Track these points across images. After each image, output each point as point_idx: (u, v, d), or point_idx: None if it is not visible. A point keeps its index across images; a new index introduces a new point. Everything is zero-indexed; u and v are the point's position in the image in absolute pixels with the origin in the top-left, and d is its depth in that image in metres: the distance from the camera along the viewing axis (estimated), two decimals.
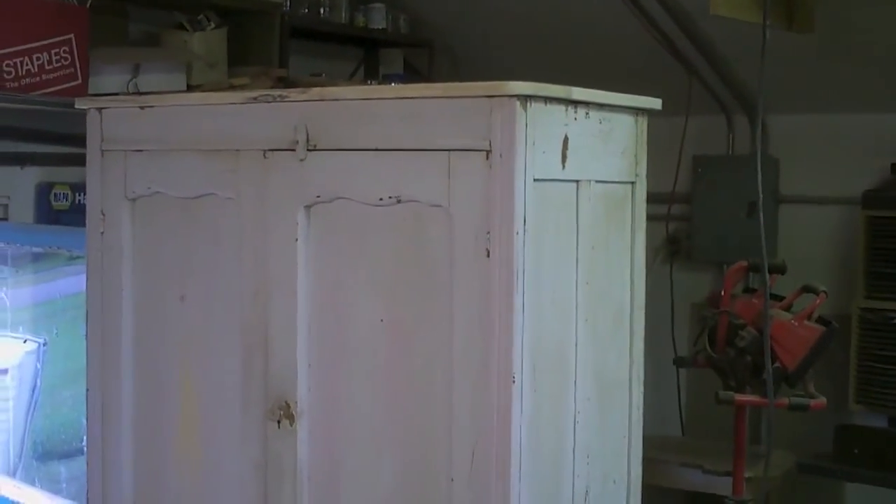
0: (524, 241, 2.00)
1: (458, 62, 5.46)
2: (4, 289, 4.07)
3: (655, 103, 2.35)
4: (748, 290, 3.88)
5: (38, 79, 3.75)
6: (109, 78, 3.98)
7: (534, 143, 2.01)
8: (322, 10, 5.10)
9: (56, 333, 3.96)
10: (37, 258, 4.07)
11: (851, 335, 4.42)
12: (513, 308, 1.98)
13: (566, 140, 2.11)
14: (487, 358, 1.99)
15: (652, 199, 2.42)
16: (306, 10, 5.02)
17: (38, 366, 4.03)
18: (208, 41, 4.35)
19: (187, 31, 4.29)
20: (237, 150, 2.33)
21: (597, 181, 2.22)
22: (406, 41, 5.54)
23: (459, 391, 2.02)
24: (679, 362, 4.11)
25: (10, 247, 4.06)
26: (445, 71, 5.40)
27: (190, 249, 2.47)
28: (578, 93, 2.12)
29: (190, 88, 4.11)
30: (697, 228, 5.01)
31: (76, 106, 2.67)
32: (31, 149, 4.20)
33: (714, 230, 4.95)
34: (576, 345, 2.17)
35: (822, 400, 3.45)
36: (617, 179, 2.30)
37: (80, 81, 3.84)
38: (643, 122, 2.36)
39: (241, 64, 4.45)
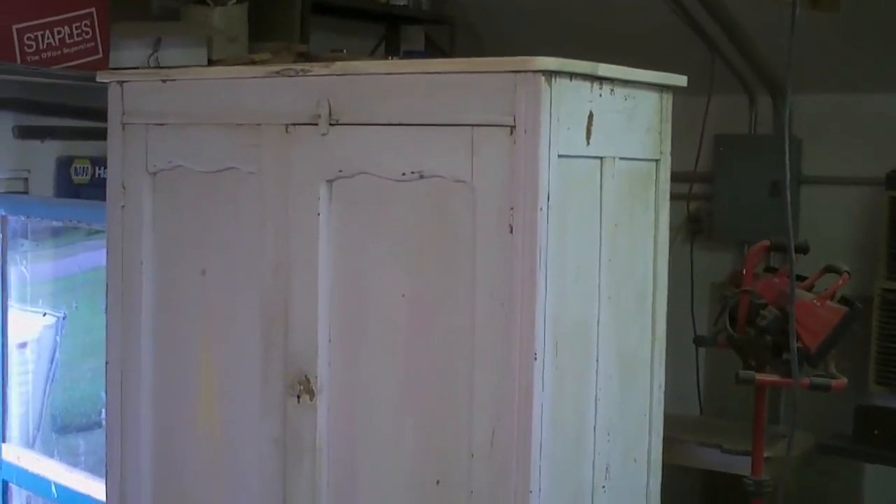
0: (547, 218, 1.98)
1: (481, 39, 5.42)
2: (24, 263, 4.08)
3: (681, 80, 2.33)
4: (769, 270, 3.86)
5: (58, 52, 3.74)
6: (130, 52, 3.97)
7: (558, 119, 1.99)
8: None
9: (76, 307, 3.97)
10: (56, 233, 4.08)
11: (872, 316, 4.39)
12: (535, 285, 1.97)
13: (591, 116, 2.09)
14: (509, 335, 1.98)
15: (673, 178, 2.40)
16: None
17: (58, 338, 4.04)
18: (229, 16, 4.32)
19: (208, 5, 4.27)
20: (259, 125, 2.32)
21: (621, 158, 2.20)
22: (428, 17, 5.50)
23: (481, 368, 2.01)
24: (699, 342, 4.10)
25: (30, 220, 4.06)
26: (467, 48, 5.37)
27: (210, 223, 2.46)
28: (604, 69, 2.10)
29: (210, 63, 4.09)
30: (719, 208, 4.99)
31: (97, 79, 2.67)
32: (51, 122, 4.19)
33: (735, 210, 4.93)
34: (598, 322, 2.16)
35: (844, 380, 3.43)
36: (641, 157, 2.28)
37: (100, 55, 3.82)
38: (668, 99, 2.34)
39: (262, 40, 4.43)
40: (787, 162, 2.83)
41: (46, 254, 4.12)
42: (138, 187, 2.56)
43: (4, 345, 4.08)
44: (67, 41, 3.77)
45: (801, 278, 3.54)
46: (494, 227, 2.00)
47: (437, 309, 2.10)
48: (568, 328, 2.06)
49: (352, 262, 2.22)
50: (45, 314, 4.04)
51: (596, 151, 2.12)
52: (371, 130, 2.16)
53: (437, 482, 2.09)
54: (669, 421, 2.42)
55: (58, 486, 3.78)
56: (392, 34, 5.53)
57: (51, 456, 3.95)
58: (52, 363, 4.10)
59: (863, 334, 4.19)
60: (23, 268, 4.09)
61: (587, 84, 2.08)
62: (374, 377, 2.19)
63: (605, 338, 2.17)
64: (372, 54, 5.43)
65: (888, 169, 4.47)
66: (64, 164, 4.38)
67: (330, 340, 2.24)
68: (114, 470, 2.63)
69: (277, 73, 2.30)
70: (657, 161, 2.33)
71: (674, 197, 2.41)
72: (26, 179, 4.37)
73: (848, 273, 3.51)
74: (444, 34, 5.47)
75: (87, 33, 3.81)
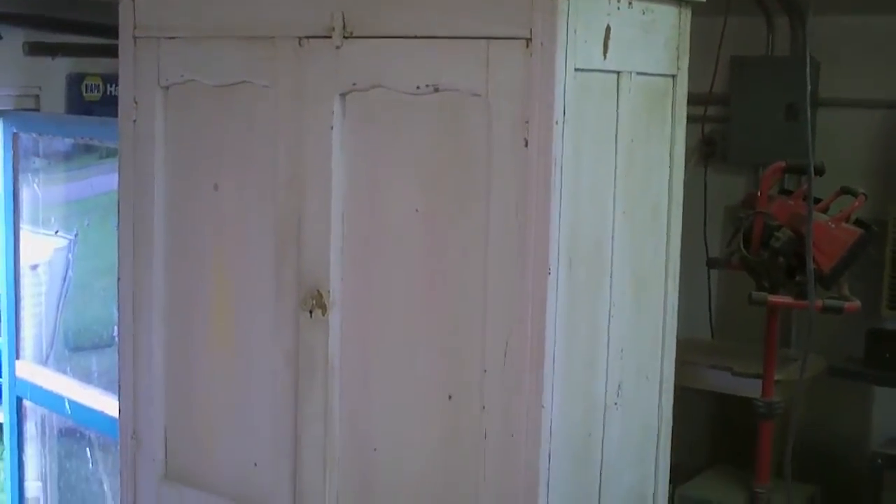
0: (563, 132, 1.96)
1: None
2: (36, 181, 4.08)
3: None
4: (784, 192, 3.83)
5: None
6: None
7: (575, 32, 1.96)
8: None
9: (88, 224, 3.98)
10: (68, 156, 4.07)
11: (887, 240, 4.36)
12: (550, 199, 1.95)
13: (608, 30, 2.06)
14: (523, 249, 1.97)
15: (688, 100, 2.37)
16: None
17: (70, 257, 4.05)
18: None
19: None
20: (273, 38, 2.29)
21: (638, 73, 2.17)
22: None
23: (494, 282, 2.00)
24: (712, 263, 4.08)
25: (41, 138, 4.05)
26: None
27: (223, 137, 2.44)
28: None
29: None
30: (733, 131, 4.93)
31: None
32: (62, 39, 4.15)
33: (751, 132, 4.87)
34: (612, 238, 2.14)
35: (857, 303, 3.41)
36: (658, 72, 2.26)
37: None
38: (686, 14, 2.30)
39: None
40: (808, 83, 2.79)
41: (58, 177, 4.12)
42: (150, 102, 2.53)
43: (17, 265, 4.09)
44: None
45: (816, 200, 3.50)
46: (509, 141, 1.98)
47: (450, 224, 2.09)
48: (582, 243, 2.05)
49: (365, 176, 2.21)
50: (56, 232, 4.05)
51: (613, 66, 2.09)
52: (386, 43, 2.13)
53: (450, 397, 2.09)
54: (680, 344, 2.42)
55: (71, 402, 3.80)
56: None
57: (64, 373, 3.98)
58: (64, 284, 4.11)
59: (877, 258, 4.17)
60: (35, 186, 4.09)
61: None
62: (388, 292, 2.18)
63: (620, 254, 2.16)
64: None
65: None
66: (75, 82, 4.36)
67: (343, 255, 2.23)
68: (126, 385, 2.64)
69: None
70: (674, 77, 2.30)
71: (688, 119, 2.38)
72: (37, 97, 4.36)
73: (864, 195, 3.48)
74: None
75: None
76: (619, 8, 2.08)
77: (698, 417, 4.91)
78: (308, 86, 2.24)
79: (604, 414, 2.16)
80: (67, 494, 4.16)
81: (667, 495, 2.39)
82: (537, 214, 1.96)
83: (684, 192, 2.38)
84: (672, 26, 2.27)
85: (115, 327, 2.69)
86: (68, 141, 4.01)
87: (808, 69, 2.83)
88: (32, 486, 4.27)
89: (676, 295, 2.38)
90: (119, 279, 2.64)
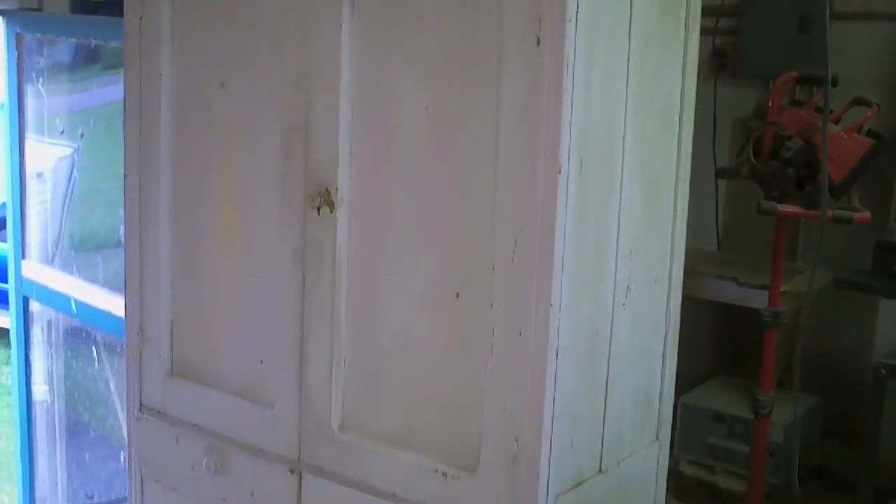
0: (576, 30, 1.93)
1: None
2: (40, 83, 4.05)
3: None
4: (795, 103, 3.80)
5: None
6: None
7: None
8: None
9: (93, 124, 3.96)
10: (73, 68, 4.04)
11: None
12: (561, 97, 1.93)
13: None
14: (534, 147, 1.95)
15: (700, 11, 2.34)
16: None
17: (75, 160, 4.04)
18: None
19: None
20: None
21: None
22: None
23: (504, 181, 1.99)
24: (721, 173, 4.06)
25: (45, 38, 4.01)
26: None
27: (230, 34, 2.41)
28: None
29: None
30: (745, 43, 4.88)
31: None
32: None
33: (762, 45, 4.82)
34: (623, 139, 2.12)
35: (866, 213, 3.41)
36: None
37: None
38: None
39: None
40: None
41: (62, 88, 4.09)
42: None
43: (22, 167, 4.08)
44: None
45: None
46: (521, 38, 1.95)
47: (460, 122, 2.07)
48: (593, 143, 2.02)
49: (374, 74, 2.18)
50: (62, 132, 4.03)
51: None
52: None
53: (457, 295, 2.09)
54: (686, 254, 2.40)
55: (77, 301, 3.81)
56: None
57: (70, 272, 3.98)
58: (69, 188, 4.10)
59: (887, 171, 4.16)
60: (39, 86, 4.06)
61: None
62: (396, 190, 2.16)
63: (630, 155, 2.14)
64: None
65: None
66: None
67: (351, 153, 2.21)
68: (132, 281, 2.64)
69: None
70: None
71: (700, 31, 2.34)
72: None
73: (877, 105, 3.45)
74: None
75: None
76: None
77: (701, 329, 4.93)
78: None
79: (612, 315, 2.16)
80: (74, 394, 4.19)
81: (672, 397, 2.40)
82: (548, 113, 1.93)
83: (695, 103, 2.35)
84: None
85: (122, 228, 2.68)
86: (72, 50, 3.97)
87: None
88: (40, 390, 4.30)
89: (686, 201, 2.36)
90: (125, 177, 2.63)
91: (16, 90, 4.01)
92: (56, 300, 3.96)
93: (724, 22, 4.75)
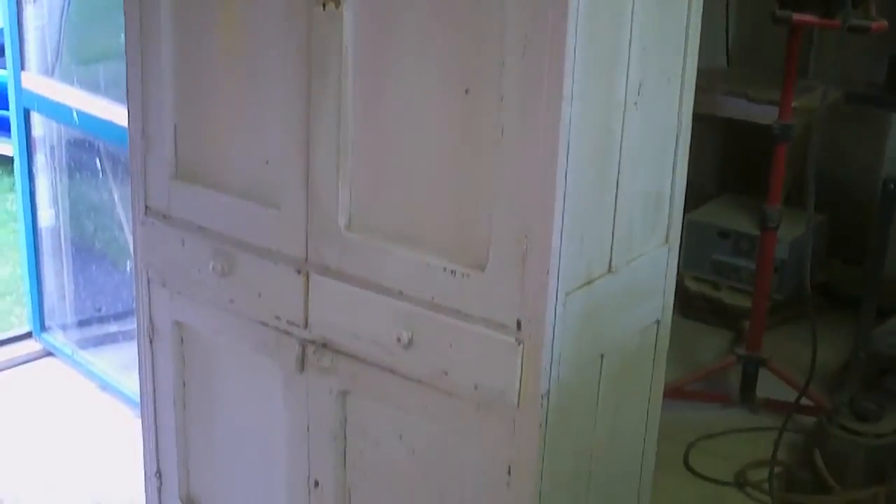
0: None
1: None
2: None
3: None
4: None
5: None
6: None
7: None
8: None
9: None
10: None
11: None
12: None
13: None
14: None
15: None
16: None
17: None
18: None
19: None
20: None
21: None
22: None
23: None
24: None
25: None
26: None
27: None
28: None
29: None
30: None
31: None
32: None
33: None
34: None
35: (884, 22, 3.33)
36: None
37: None
38: None
39: None
40: None
41: None
42: None
43: None
44: None
45: None
46: None
47: None
48: None
49: None
50: None
51: None
52: None
53: (467, 91, 2.04)
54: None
55: (79, 112, 3.77)
56: None
57: (71, 84, 3.92)
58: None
59: None
60: None
61: None
62: None
63: None
64: None
65: None
66: None
67: None
68: (134, 86, 2.59)
69: None
70: None
71: None
72: None
73: None
74: None
75: None
76: None
77: (709, 147, 4.89)
78: None
79: (623, 112, 2.11)
80: (79, 208, 4.18)
81: (683, 201, 2.37)
82: None
83: None
84: None
85: (122, 35, 2.61)
86: None
87: None
88: (46, 216, 4.29)
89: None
90: None
91: None
92: (57, 111, 3.91)
93: None
